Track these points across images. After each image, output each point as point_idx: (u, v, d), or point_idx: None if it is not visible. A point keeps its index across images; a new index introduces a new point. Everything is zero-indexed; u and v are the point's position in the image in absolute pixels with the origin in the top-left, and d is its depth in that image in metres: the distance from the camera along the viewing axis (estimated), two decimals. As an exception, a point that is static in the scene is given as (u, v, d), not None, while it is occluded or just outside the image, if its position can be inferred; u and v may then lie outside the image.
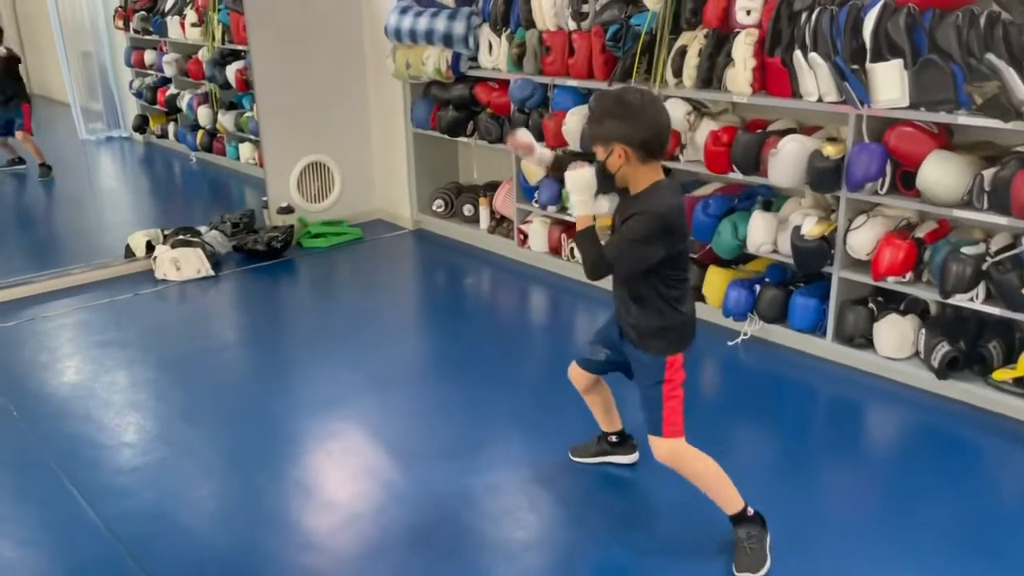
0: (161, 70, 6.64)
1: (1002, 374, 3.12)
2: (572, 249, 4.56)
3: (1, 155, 6.57)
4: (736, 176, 3.69)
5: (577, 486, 2.82)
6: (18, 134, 6.42)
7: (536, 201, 4.63)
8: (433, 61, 4.76)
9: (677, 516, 2.64)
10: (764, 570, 2.35)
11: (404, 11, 4.85)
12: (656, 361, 2.36)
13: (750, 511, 2.41)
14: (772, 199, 3.83)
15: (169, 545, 2.55)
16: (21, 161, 6.62)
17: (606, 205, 4.24)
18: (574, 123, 4.17)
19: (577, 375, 2.76)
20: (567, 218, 4.55)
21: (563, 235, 4.61)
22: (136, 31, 6.65)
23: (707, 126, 3.78)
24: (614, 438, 2.89)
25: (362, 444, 3.10)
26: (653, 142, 2.20)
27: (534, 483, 2.82)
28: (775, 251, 3.67)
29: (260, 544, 2.55)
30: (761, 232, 3.65)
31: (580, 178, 2.27)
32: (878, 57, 3.12)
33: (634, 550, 2.49)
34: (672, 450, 2.39)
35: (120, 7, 6.70)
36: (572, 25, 4.14)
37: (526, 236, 4.79)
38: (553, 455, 2.97)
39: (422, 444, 3.09)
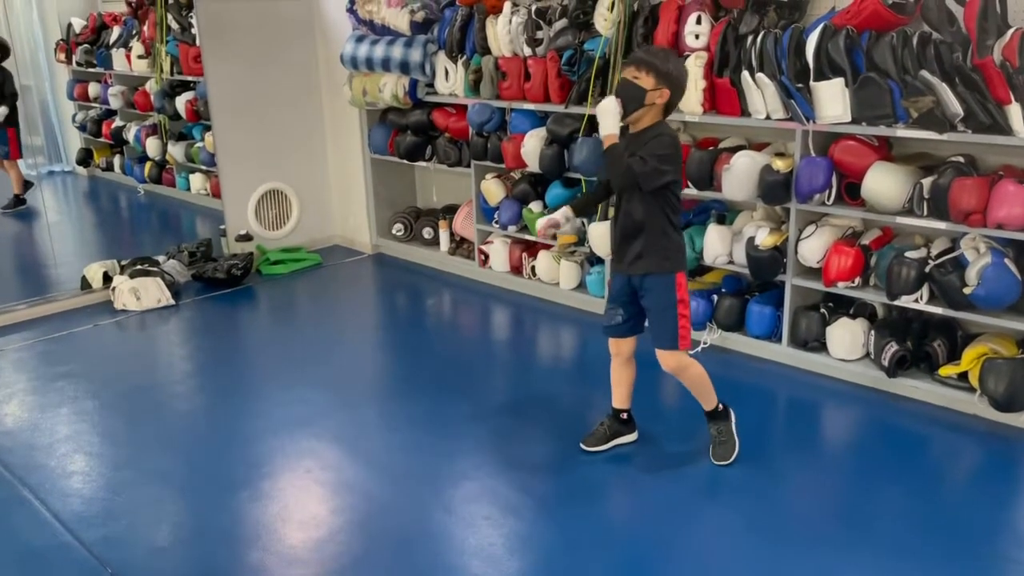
0: (106, 102, 6.58)
1: (947, 370, 3.31)
2: (533, 268, 4.67)
3: None
4: (691, 192, 3.86)
5: (555, 490, 2.90)
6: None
7: (496, 222, 4.73)
8: (390, 88, 4.86)
9: (658, 514, 2.74)
10: (735, 455, 2.96)
11: (360, 40, 4.94)
12: (667, 280, 2.79)
13: (720, 407, 3.00)
14: (726, 213, 4.00)
15: (153, 568, 2.54)
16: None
17: (568, 227, 4.38)
18: (532, 145, 4.30)
19: (615, 347, 3.05)
20: (527, 238, 4.66)
21: (524, 254, 4.71)
22: (79, 64, 6.59)
23: (661, 145, 3.94)
24: (625, 416, 3.14)
25: (339, 460, 3.13)
26: (674, 106, 2.76)
27: (511, 489, 2.88)
28: (730, 262, 3.83)
29: (246, 560, 2.56)
30: (717, 244, 3.81)
31: (606, 107, 2.71)
32: (820, 76, 3.33)
33: (616, 549, 2.58)
34: (680, 360, 2.88)
35: (62, 40, 6.64)
36: (527, 51, 4.29)
37: (487, 256, 4.89)
38: (525, 460, 3.05)
39: (398, 458, 3.13)
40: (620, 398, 3.12)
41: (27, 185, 6.49)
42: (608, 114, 2.71)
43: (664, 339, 2.85)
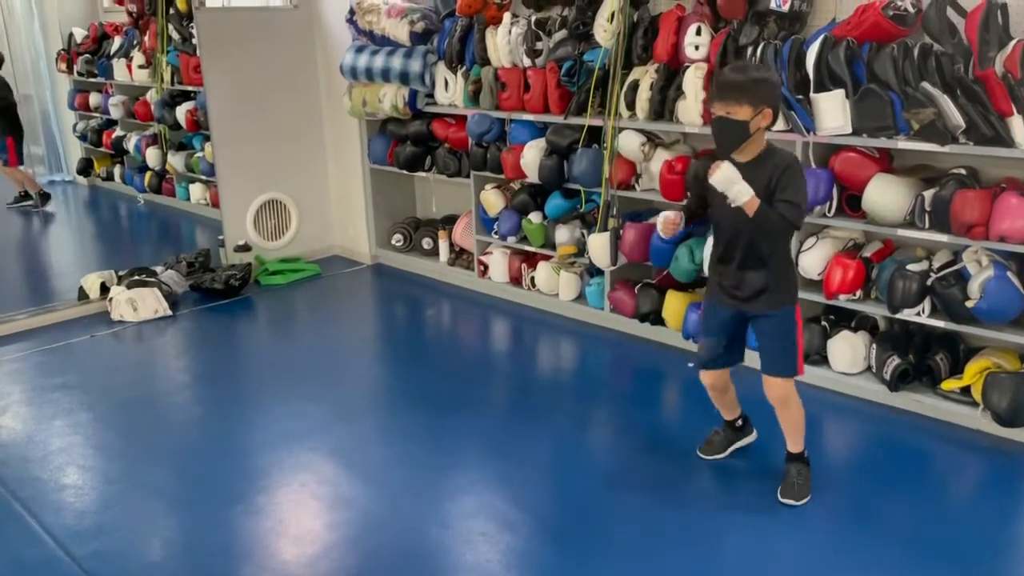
0: (107, 112, 6.59)
1: (950, 384, 3.28)
2: (532, 279, 4.64)
3: None
4: (691, 203, 3.83)
5: (551, 503, 2.87)
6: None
7: (495, 232, 4.72)
8: (390, 98, 4.85)
9: (658, 530, 2.70)
10: (805, 500, 2.79)
11: (359, 50, 4.93)
12: (789, 312, 2.72)
13: (805, 453, 2.86)
14: (725, 224, 3.97)
15: (146, 583, 2.51)
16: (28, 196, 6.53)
17: (567, 235, 4.36)
18: (532, 156, 4.29)
19: (710, 380, 2.97)
20: (527, 248, 4.64)
21: (523, 265, 4.69)
22: (80, 74, 6.60)
23: (661, 156, 3.93)
24: (739, 423, 3.11)
25: (335, 474, 3.10)
26: (779, 107, 2.65)
27: (508, 504, 2.85)
28: (731, 274, 3.80)
29: (240, 577, 2.53)
30: (717, 256, 3.78)
31: (725, 174, 2.52)
32: (821, 88, 3.31)
33: (613, 565, 2.54)
34: (787, 391, 2.77)
35: (63, 50, 6.65)
36: (527, 62, 4.27)
37: (486, 267, 4.87)
38: (523, 476, 3.02)
39: (394, 472, 3.10)
40: (727, 412, 3.09)
41: (45, 197, 6.52)
42: (731, 183, 2.50)
43: (780, 366, 2.76)
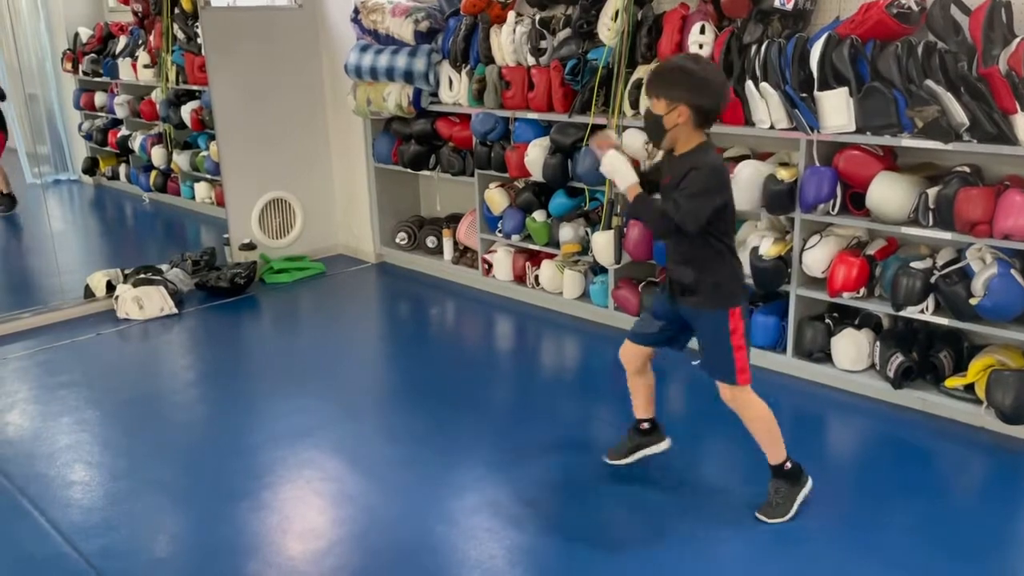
0: (112, 112, 6.60)
1: (953, 382, 3.28)
2: (536, 277, 4.65)
3: None
4: (695, 201, 3.84)
5: (556, 500, 2.88)
6: None
7: (500, 231, 4.73)
8: (394, 97, 4.86)
9: (658, 524, 2.71)
10: (782, 519, 2.65)
11: (364, 49, 4.95)
12: (720, 315, 2.57)
13: (788, 465, 2.69)
14: (729, 222, 3.98)
15: (153, 578, 2.53)
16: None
17: (571, 233, 4.37)
18: (536, 154, 4.30)
19: (630, 355, 2.87)
20: (531, 247, 4.65)
21: (527, 263, 4.70)
22: (86, 73, 6.62)
23: (665, 154, 3.93)
24: (646, 425, 3.00)
25: (339, 471, 3.11)
26: (711, 113, 2.48)
27: (513, 501, 2.86)
28: (735, 272, 3.81)
29: (244, 572, 2.54)
30: (721, 254, 3.78)
31: (609, 159, 2.55)
32: (825, 86, 3.31)
33: (620, 563, 2.55)
34: (737, 395, 2.64)
35: (68, 50, 6.67)
36: (531, 60, 4.28)
37: (491, 265, 4.88)
38: (528, 472, 3.03)
39: (399, 469, 3.11)
40: (639, 407, 2.98)
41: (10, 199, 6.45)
42: (616, 172, 2.54)
43: (716, 371, 2.66)
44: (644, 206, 2.55)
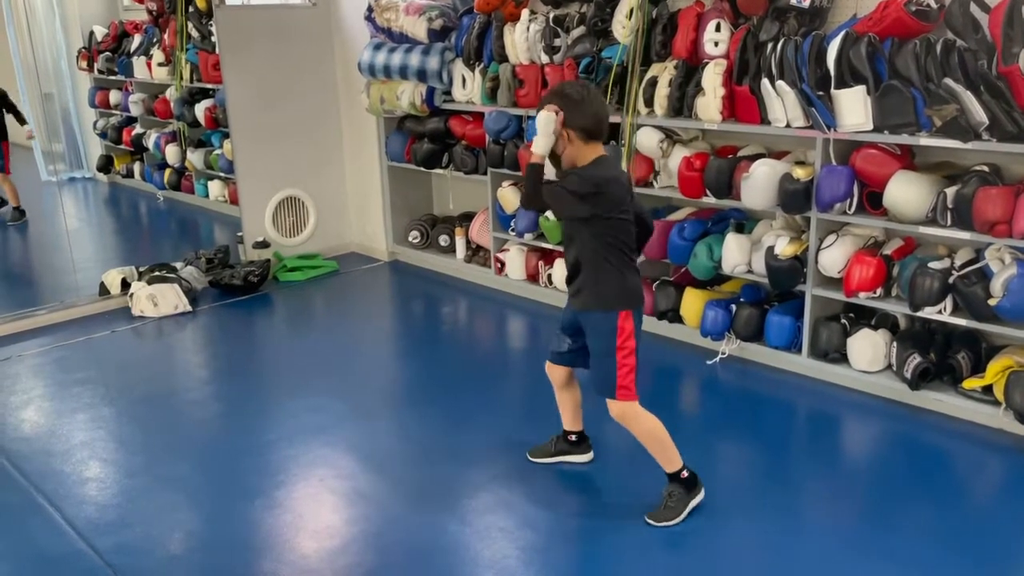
0: (127, 110, 6.63)
1: (972, 383, 3.24)
2: (549, 276, 4.64)
3: None
4: (709, 200, 3.82)
5: (570, 501, 2.87)
6: None
7: (512, 230, 4.72)
8: (407, 96, 4.85)
9: (677, 528, 2.69)
10: (671, 523, 2.65)
11: (377, 47, 4.95)
12: (607, 322, 2.60)
13: (684, 473, 2.71)
14: (745, 221, 3.96)
15: (167, 575, 2.54)
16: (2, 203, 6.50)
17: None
18: (549, 153, 4.28)
19: (552, 372, 2.97)
20: (544, 245, 4.64)
21: (540, 262, 4.69)
22: (101, 72, 6.65)
23: (679, 153, 3.91)
24: (573, 437, 3.06)
25: (352, 470, 3.11)
26: (593, 128, 2.57)
27: (526, 500, 2.85)
28: (750, 271, 3.79)
29: (258, 569, 2.54)
30: (735, 253, 3.77)
31: (543, 120, 2.54)
32: (842, 84, 3.28)
33: (634, 561, 2.54)
34: (624, 411, 2.67)
35: (83, 48, 6.70)
36: (545, 59, 4.27)
37: (503, 264, 4.87)
38: (542, 472, 3.02)
39: (412, 468, 3.11)
40: (567, 421, 3.04)
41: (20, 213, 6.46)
42: (540, 130, 2.54)
43: (601, 386, 2.66)
44: (533, 173, 2.62)
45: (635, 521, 2.74)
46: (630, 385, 2.63)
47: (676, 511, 2.68)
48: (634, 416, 2.68)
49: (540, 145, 2.58)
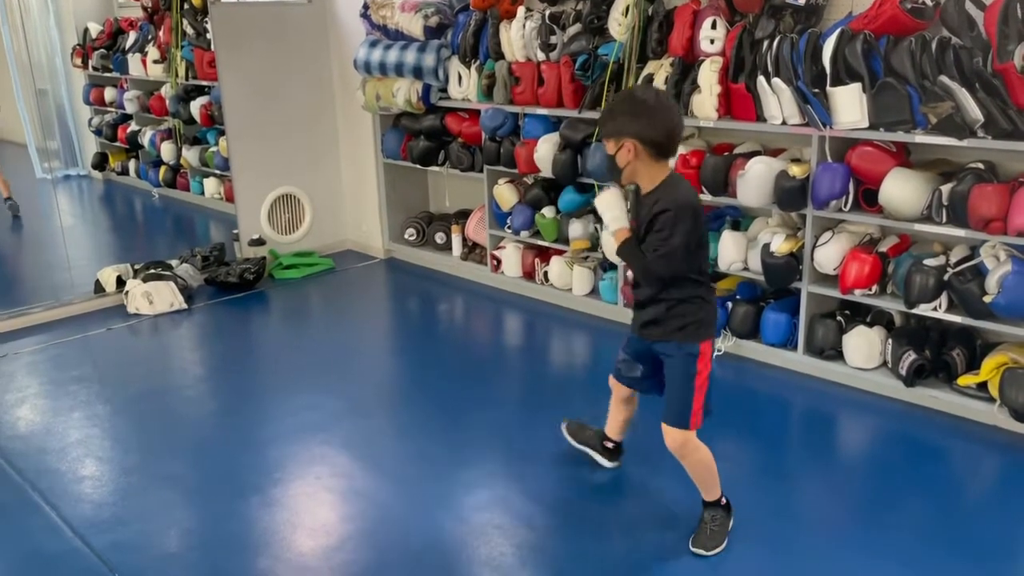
0: (122, 107, 6.62)
1: (966, 380, 3.26)
2: (545, 273, 4.64)
3: None
4: (705, 197, 3.82)
5: (565, 498, 2.87)
6: None
7: (509, 227, 4.72)
8: (403, 93, 4.85)
9: (663, 522, 2.70)
10: (717, 551, 2.53)
11: (373, 45, 4.94)
12: (691, 352, 2.46)
13: (723, 500, 2.62)
14: (740, 219, 3.97)
15: (162, 574, 2.52)
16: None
17: (580, 229, 4.36)
18: (545, 150, 4.28)
19: (616, 388, 2.86)
20: (540, 243, 4.64)
21: (536, 259, 4.69)
22: (95, 68, 6.63)
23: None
24: (611, 444, 2.99)
25: (349, 467, 3.11)
26: (663, 142, 2.33)
27: (522, 498, 2.85)
28: (745, 268, 3.80)
29: (255, 567, 2.54)
30: (731, 250, 3.77)
31: (606, 200, 2.48)
32: (837, 81, 3.29)
33: (631, 560, 2.54)
34: (686, 440, 2.53)
35: (78, 45, 6.68)
36: (541, 56, 4.27)
37: (499, 262, 4.87)
38: (538, 470, 3.02)
39: (409, 465, 3.11)
40: (611, 428, 2.96)
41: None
42: (607, 209, 2.47)
43: (672, 415, 2.53)
44: (627, 250, 2.46)
45: (631, 519, 2.74)
46: (700, 412, 2.51)
47: (721, 536, 2.56)
48: (694, 448, 2.54)
49: (617, 219, 2.43)
